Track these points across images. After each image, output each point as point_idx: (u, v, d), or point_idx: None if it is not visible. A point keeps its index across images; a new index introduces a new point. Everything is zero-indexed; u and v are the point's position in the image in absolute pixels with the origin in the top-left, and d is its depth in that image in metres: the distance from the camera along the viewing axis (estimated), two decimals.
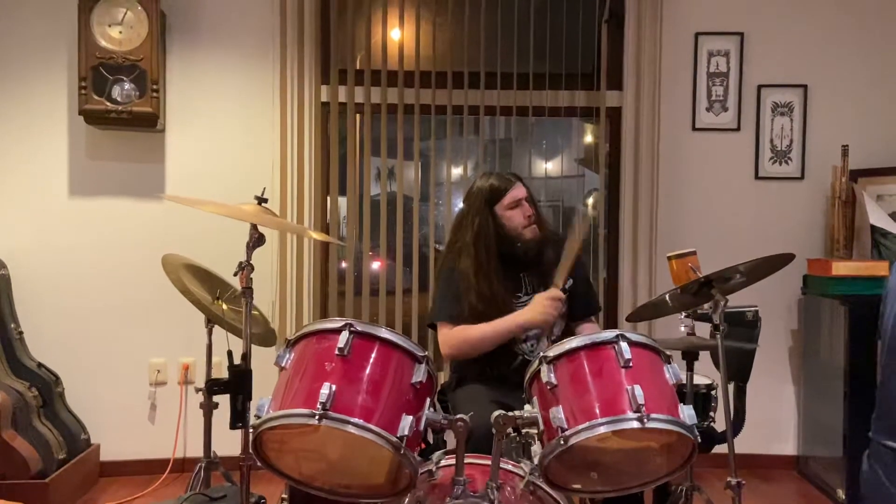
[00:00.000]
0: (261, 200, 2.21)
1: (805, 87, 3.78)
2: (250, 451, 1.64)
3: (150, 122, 3.48)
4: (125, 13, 3.41)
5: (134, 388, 3.65)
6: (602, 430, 1.55)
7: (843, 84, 3.78)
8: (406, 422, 1.56)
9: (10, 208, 3.57)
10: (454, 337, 2.44)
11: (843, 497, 3.27)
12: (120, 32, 3.41)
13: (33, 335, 3.52)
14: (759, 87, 3.78)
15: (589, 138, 4.34)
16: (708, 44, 3.77)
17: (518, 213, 2.49)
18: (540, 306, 2.37)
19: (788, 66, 3.78)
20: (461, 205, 2.67)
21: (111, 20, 3.41)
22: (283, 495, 2.09)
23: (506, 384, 2.36)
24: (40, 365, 3.48)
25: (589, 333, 1.72)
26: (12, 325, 3.44)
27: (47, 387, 3.40)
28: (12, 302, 3.50)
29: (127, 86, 3.41)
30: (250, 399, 2.02)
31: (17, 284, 3.53)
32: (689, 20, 3.75)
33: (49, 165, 3.59)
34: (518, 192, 2.50)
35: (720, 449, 2.39)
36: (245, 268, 2.09)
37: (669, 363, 1.70)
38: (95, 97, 3.40)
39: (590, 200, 4.22)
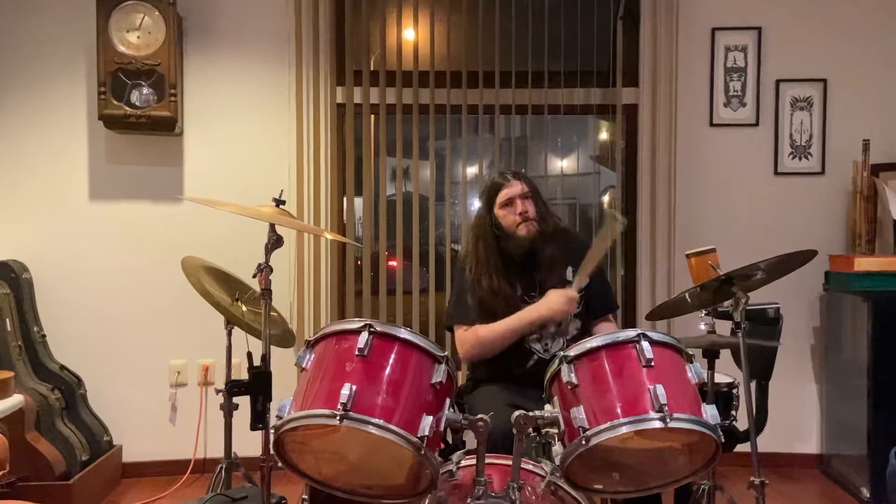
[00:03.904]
0: (278, 202, 2.22)
1: (824, 80, 3.74)
2: (271, 451, 1.65)
3: (168, 126, 3.51)
4: (143, 18, 3.43)
5: (155, 390, 3.67)
6: (624, 430, 1.54)
7: (863, 77, 3.74)
8: (426, 422, 1.56)
9: (32, 212, 3.61)
10: (469, 338, 2.44)
11: (868, 496, 3.23)
12: (138, 37, 3.44)
13: (55, 338, 3.56)
14: (778, 82, 3.74)
15: (604, 135, 4.32)
16: (725, 39, 3.74)
17: (510, 212, 2.46)
18: (553, 301, 2.36)
19: (807, 60, 3.74)
20: (477, 204, 2.68)
21: (129, 25, 3.43)
22: (304, 496, 2.10)
23: (521, 385, 2.35)
24: (63, 367, 3.51)
25: (607, 333, 1.71)
26: (35, 329, 3.48)
27: (70, 389, 3.44)
28: (35, 305, 3.54)
29: (145, 90, 3.44)
30: (270, 400, 2.03)
31: (39, 288, 3.57)
32: (705, 15, 3.72)
33: (69, 170, 3.63)
34: (511, 189, 2.47)
35: (742, 448, 2.37)
36: (264, 269, 2.10)
37: (691, 362, 1.68)
38: (114, 102, 3.43)
39: (605, 198, 4.20)
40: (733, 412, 2.51)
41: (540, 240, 2.47)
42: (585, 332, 2.53)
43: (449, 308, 2.60)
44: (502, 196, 2.47)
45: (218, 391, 2.57)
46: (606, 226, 2.56)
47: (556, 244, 2.49)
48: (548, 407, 1.69)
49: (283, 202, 2.24)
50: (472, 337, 2.44)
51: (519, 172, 2.58)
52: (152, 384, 3.67)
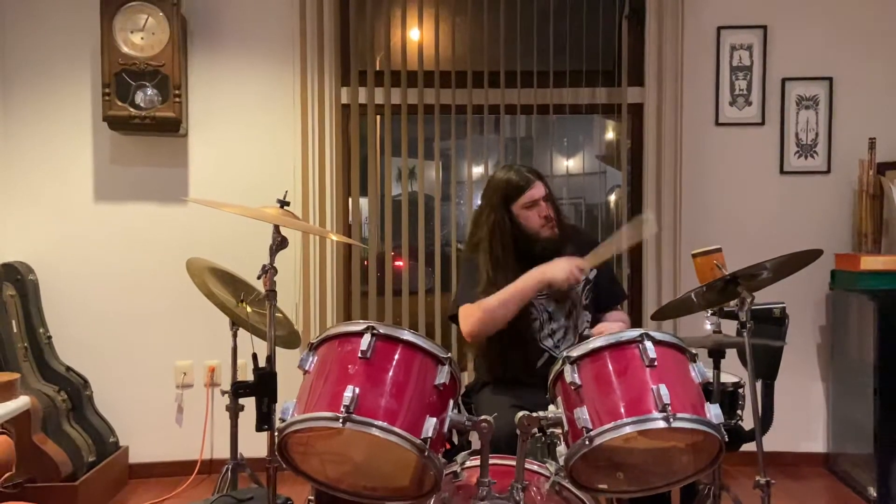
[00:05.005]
0: (283, 203, 2.22)
1: (830, 79, 3.72)
2: (276, 454, 1.65)
3: (172, 127, 3.52)
4: (147, 19, 3.44)
5: (161, 391, 3.68)
6: (627, 430, 1.54)
7: (870, 76, 3.72)
8: (430, 424, 1.56)
9: (37, 214, 3.63)
10: (474, 312, 2.36)
11: (875, 495, 3.22)
12: (142, 38, 3.45)
13: (61, 339, 3.57)
14: (784, 81, 3.73)
15: (610, 135, 4.32)
16: (730, 37, 3.73)
17: (534, 214, 2.42)
18: (562, 265, 2.30)
19: (813, 58, 3.73)
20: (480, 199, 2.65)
21: (133, 26, 3.44)
22: (310, 497, 2.10)
23: (529, 386, 2.34)
24: (69, 369, 3.53)
25: (615, 320, 1.68)
26: (41, 330, 3.50)
27: (76, 390, 3.45)
28: (40, 307, 3.55)
29: (149, 91, 3.45)
30: (275, 401, 2.04)
31: (45, 289, 3.58)
32: (710, 14, 3.71)
33: (74, 171, 3.64)
34: (535, 191, 2.43)
35: (748, 447, 2.36)
36: (268, 270, 2.10)
37: (695, 361, 1.68)
38: (119, 103, 3.44)
39: (612, 197, 4.20)
40: (739, 411, 2.50)
41: (560, 241, 2.45)
42: (596, 324, 2.52)
43: (454, 297, 2.56)
44: (526, 198, 2.42)
45: (224, 392, 2.59)
46: (633, 224, 2.52)
47: (573, 244, 2.49)
48: (551, 407, 1.69)
49: (288, 203, 2.24)
50: (476, 310, 2.36)
51: (536, 171, 2.53)
52: (158, 385, 3.68)
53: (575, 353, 1.66)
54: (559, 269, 2.31)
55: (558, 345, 2.44)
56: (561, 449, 1.65)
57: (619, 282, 2.72)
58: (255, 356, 2.10)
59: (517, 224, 2.44)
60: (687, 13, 3.63)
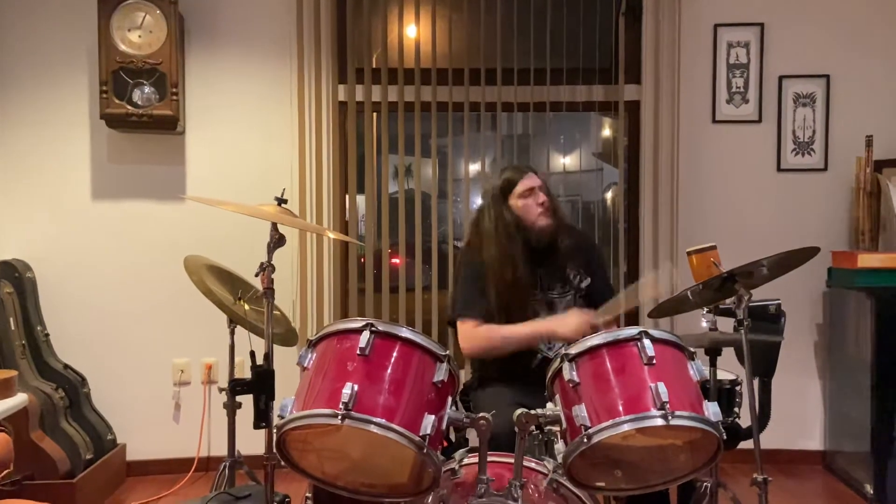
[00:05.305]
0: (280, 201, 2.22)
1: (827, 76, 3.73)
2: (274, 451, 1.65)
3: (170, 125, 3.51)
4: (144, 17, 3.43)
5: (158, 389, 3.68)
6: (626, 427, 1.54)
7: (867, 73, 3.73)
8: (428, 421, 1.56)
9: (35, 212, 3.62)
10: (477, 335, 2.41)
11: (871, 492, 3.23)
12: (139, 36, 3.44)
13: (59, 337, 3.56)
14: (781, 78, 3.73)
15: (607, 132, 4.32)
16: (727, 35, 3.73)
17: (531, 202, 2.46)
18: (575, 323, 2.31)
19: (810, 55, 3.73)
20: (479, 201, 2.66)
21: (130, 24, 3.43)
22: (307, 494, 2.10)
23: (527, 383, 2.34)
24: (66, 366, 3.52)
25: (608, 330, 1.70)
26: (39, 328, 3.49)
27: (74, 388, 3.45)
28: (38, 304, 3.55)
29: (147, 89, 3.44)
30: (273, 399, 2.03)
31: (43, 287, 3.57)
32: (707, 11, 3.72)
33: (72, 169, 3.63)
34: (531, 181, 2.48)
35: (745, 445, 2.37)
36: (266, 268, 2.10)
37: (693, 359, 1.68)
38: (116, 101, 3.43)
39: (608, 194, 4.20)
40: (736, 409, 2.51)
41: (556, 232, 2.47)
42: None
43: (454, 301, 2.57)
44: (522, 186, 2.47)
45: (221, 390, 2.58)
46: (643, 284, 2.59)
47: (568, 242, 2.49)
48: (550, 405, 1.69)
49: (285, 201, 2.24)
50: (482, 334, 2.40)
51: (530, 166, 2.58)
52: (156, 383, 3.68)
53: (573, 350, 1.66)
54: (570, 326, 2.31)
55: (551, 347, 2.44)
56: (559, 446, 1.65)
57: (612, 289, 2.72)
58: (252, 353, 2.10)
59: (516, 216, 2.46)
60: (684, 10, 3.63)
